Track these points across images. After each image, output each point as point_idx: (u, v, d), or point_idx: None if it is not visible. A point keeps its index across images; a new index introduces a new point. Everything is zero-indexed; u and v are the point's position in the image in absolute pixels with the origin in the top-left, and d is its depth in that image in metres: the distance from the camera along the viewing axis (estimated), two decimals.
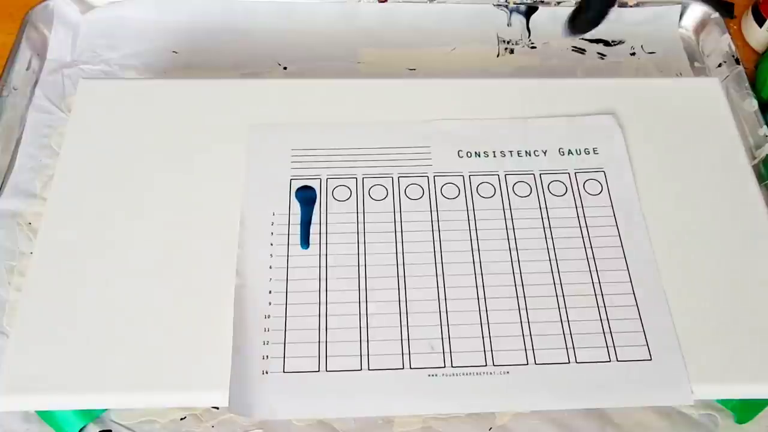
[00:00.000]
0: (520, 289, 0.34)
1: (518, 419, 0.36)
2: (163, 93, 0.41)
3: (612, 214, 0.37)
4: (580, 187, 0.38)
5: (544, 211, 0.37)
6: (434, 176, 0.38)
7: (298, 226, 0.36)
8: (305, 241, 0.35)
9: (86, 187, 0.36)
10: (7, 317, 0.38)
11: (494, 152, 0.39)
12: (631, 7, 0.52)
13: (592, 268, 0.35)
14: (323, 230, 0.36)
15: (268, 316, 0.33)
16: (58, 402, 0.32)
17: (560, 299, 0.34)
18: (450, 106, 0.41)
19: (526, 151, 0.39)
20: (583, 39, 0.52)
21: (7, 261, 0.40)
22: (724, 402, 0.36)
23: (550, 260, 0.35)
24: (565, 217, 0.37)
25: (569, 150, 0.39)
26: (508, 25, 0.52)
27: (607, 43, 0.52)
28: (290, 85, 0.43)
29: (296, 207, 0.36)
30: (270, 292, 0.34)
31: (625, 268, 0.35)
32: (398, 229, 0.36)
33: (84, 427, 0.35)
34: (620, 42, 0.52)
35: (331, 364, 0.32)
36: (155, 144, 0.38)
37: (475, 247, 0.35)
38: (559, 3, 0.52)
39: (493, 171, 0.38)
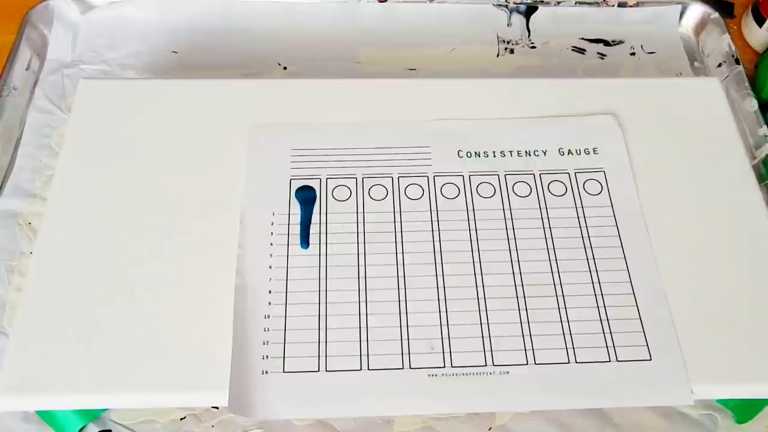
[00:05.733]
0: (520, 289, 0.34)
1: (518, 419, 0.36)
2: (163, 93, 0.41)
3: (612, 214, 0.37)
4: (580, 187, 0.38)
5: (544, 211, 0.37)
6: (434, 176, 0.38)
7: (298, 226, 0.36)
8: (305, 241, 0.35)
9: (86, 187, 0.36)
10: (7, 317, 0.38)
11: (494, 152, 0.39)
12: (631, 7, 0.52)
13: (592, 268, 0.35)
14: (323, 230, 0.36)
15: (268, 316, 0.33)
16: (58, 402, 0.32)
17: (560, 299, 0.34)
18: (450, 106, 0.41)
19: (526, 151, 0.39)
20: (583, 39, 0.52)
21: (7, 261, 0.40)
22: (724, 402, 0.36)
23: (550, 260, 0.35)
24: (565, 217, 0.37)
25: (569, 150, 0.39)
26: (508, 25, 0.52)
27: (607, 43, 0.52)
28: (290, 85, 0.43)
29: (296, 207, 0.36)
30: (270, 292, 0.34)
31: (625, 268, 0.35)
32: (398, 229, 0.36)
33: (84, 427, 0.35)
34: (620, 42, 0.52)
35: (331, 364, 0.32)
36: (155, 144, 0.38)
37: (475, 247, 0.35)
38: (559, 3, 0.52)
39: (493, 171, 0.38)
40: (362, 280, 0.34)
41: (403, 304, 0.34)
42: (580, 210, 0.37)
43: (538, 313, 0.33)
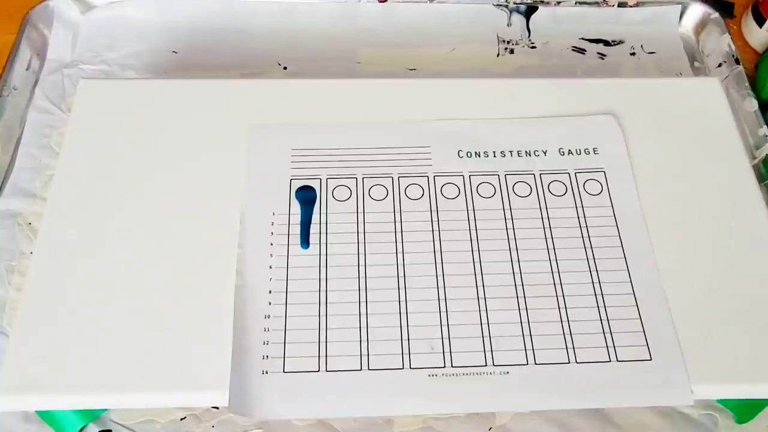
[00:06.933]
0: (520, 289, 0.34)
1: (518, 419, 0.36)
2: (163, 93, 0.41)
3: (612, 214, 0.37)
4: (580, 187, 0.38)
5: (544, 211, 0.37)
6: (434, 176, 0.38)
7: (298, 226, 0.36)
8: (305, 241, 0.35)
9: (86, 187, 0.36)
10: (7, 317, 0.38)
11: (494, 152, 0.39)
12: (631, 7, 0.52)
13: (592, 268, 0.35)
14: (323, 230, 0.36)
15: (268, 316, 0.33)
16: (58, 402, 0.32)
17: (560, 299, 0.34)
18: (450, 106, 0.41)
19: (526, 151, 0.39)
20: (583, 39, 0.52)
21: (7, 261, 0.40)
22: (724, 402, 0.36)
23: (550, 260, 0.35)
24: (565, 217, 0.37)
25: (569, 150, 0.39)
26: (508, 25, 0.52)
27: (607, 43, 0.52)
28: (290, 85, 0.43)
29: (296, 207, 0.36)
30: (270, 292, 0.34)
31: (625, 268, 0.35)
32: (398, 229, 0.36)
33: (84, 427, 0.35)
34: (620, 42, 0.52)
35: (331, 364, 0.32)
36: (155, 144, 0.38)
37: (475, 247, 0.35)
38: (559, 3, 0.52)
39: (493, 171, 0.38)
40: (362, 280, 0.34)
41: (403, 304, 0.34)
42: (580, 210, 0.37)
43: (538, 313, 0.33)
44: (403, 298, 0.34)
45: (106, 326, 0.32)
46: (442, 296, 0.34)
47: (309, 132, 0.39)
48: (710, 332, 0.33)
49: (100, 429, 0.35)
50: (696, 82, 0.45)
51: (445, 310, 0.33)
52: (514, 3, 0.52)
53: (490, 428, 0.36)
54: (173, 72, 0.48)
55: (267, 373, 0.31)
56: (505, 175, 0.38)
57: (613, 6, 0.52)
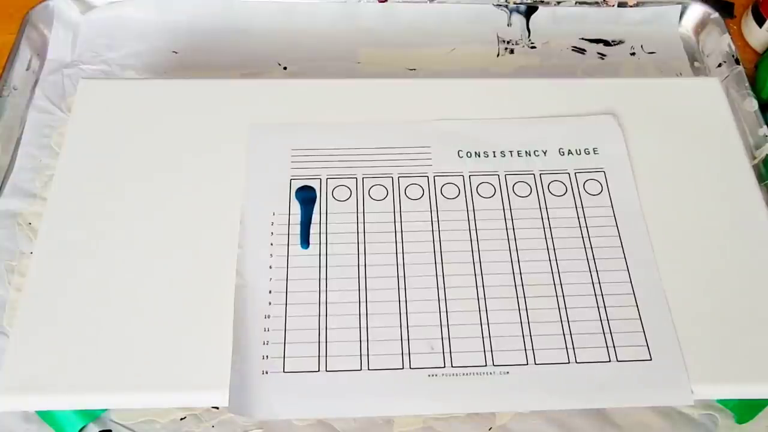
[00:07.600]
0: (520, 289, 0.34)
1: (518, 419, 0.36)
2: (163, 93, 0.41)
3: (612, 214, 0.37)
4: (580, 187, 0.38)
5: (544, 211, 0.37)
6: (434, 176, 0.38)
7: (298, 226, 0.36)
8: (305, 241, 0.35)
9: (86, 187, 0.36)
10: (7, 317, 0.38)
11: (494, 152, 0.39)
12: (631, 7, 0.52)
13: (592, 268, 0.35)
14: (323, 230, 0.36)
15: (268, 316, 0.33)
16: (58, 402, 0.32)
17: (560, 299, 0.34)
18: (450, 106, 0.41)
19: (526, 151, 0.39)
20: (583, 39, 0.52)
21: (7, 261, 0.40)
22: (724, 402, 0.36)
23: (550, 260, 0.35)
24: (565, 217, 0.37)
25: (569, 150, 0.39)
26: (508, 25, 0.52)
27: (607, 43, 0.52)
28: (290, 85, 0.43)
29: (296, 207, 0.36)
30: (270, 292, 0.34)
31: (625, 268, 0.35)
32: (398, 229, 0.36)
33: (84, 427, 0.35)
34: (620, 42, 0.52)
35: (331, 364, 0.32)
36: (155, 144, 0.38)
37: (475, 247, 0.35)
38: (559, 3, 0.52)
39: (493, 171, 0.38)
40: (362, 280, 0.34)
41: (403, 304, 0.34)
42: (580, 210, 0.37)
43: (538, 313, 0.33)
44: (403, 298, 0.34)
45: (106, 326, 0.32)
46: (442, 296, 0.34)
47: (309, 132, 0.39)
48: (710, 332, 0.33)
49: (100, 429, 0.35)
50: (696, 82, 0.45)
51: (445, 310, 0.33)
52: (514, 3, 0.52)
53: (490, 428, 0.36)
54: (173, 72, 0.48)
55: (267, 373, 0.31)
56: (505, 175, 0.38)
57: (613, 6, 0.52)
